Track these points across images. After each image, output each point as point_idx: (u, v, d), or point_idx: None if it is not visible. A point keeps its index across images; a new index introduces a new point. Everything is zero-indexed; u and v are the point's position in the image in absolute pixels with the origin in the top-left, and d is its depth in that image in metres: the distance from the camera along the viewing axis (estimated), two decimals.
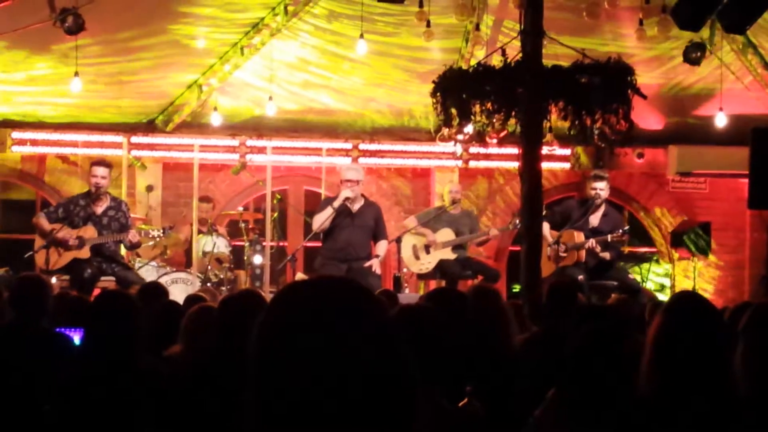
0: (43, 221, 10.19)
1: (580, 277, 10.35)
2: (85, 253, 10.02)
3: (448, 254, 11.16)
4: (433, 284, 11.45)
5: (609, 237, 10.51)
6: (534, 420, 3.59)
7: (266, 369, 1.56)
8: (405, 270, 11.19)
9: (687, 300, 3.37)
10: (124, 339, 4.31)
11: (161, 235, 10.65)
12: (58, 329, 5.50)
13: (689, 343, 3.05)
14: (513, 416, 3.74)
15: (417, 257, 11.26)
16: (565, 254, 10.58)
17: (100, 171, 10.23)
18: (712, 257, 13.80)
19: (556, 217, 10.94)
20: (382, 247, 10.36)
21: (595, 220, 10.78)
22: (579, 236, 10.64)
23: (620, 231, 10.60)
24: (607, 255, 10.54)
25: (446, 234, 11.22)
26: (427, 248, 11.24)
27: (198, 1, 10.96)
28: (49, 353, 5.00)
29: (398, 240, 10.79)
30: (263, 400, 1.55)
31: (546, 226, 10.24)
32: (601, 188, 10.74)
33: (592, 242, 10.47)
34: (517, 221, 10.88)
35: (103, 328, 4.35)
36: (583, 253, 10.60)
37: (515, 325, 5.15)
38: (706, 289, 13.68)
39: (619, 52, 8.98)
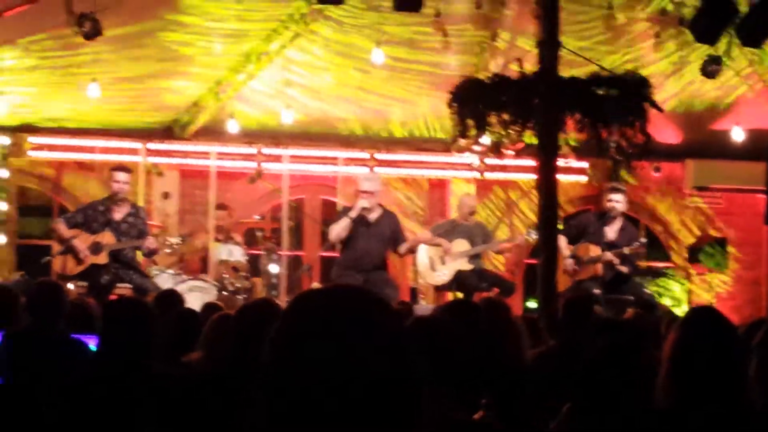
0: (61, 227, 10.22)
1: (596, 291, 10.31)
2: (102, 258, 10.05)
3: (465, 265, 11.12)
4: (449, 296, 11.42)
5: (626, 249, 10.47)
6: None
7: (278, 376, 1.56)
8: (421, 281, 11.16)
9: (703, 314, 3.36)
10: (139, 345, 4.32)
11: (179, 242, 10.67)
12: (73, 335, 5.52)
13: (706, 357, 3.04)
14: (527, 429, 3.74)
15: (433, 268, 11.22)
16: (581, 268, 10.55)
17: (122, 176, 10.27)
18: (728, 273, 13.75)
19: (572, 230, 10.90)
20: (404, 246, 10.31)
21: (611, 233, 10.74)
22: (595, 250, 10.61)
23: (637, 243, 10.57)
24: (624, 268, 10.50)
25: (462, 244, 11.19)
26: (443, 259, 11.21)
27: (215, 10, 10.99)
28: (65, 359, 5.02)
29: (413, 251, 10.75)
30: (274, 407, 1.56)
31: (562, 240, 10.20)
32: (617, 200, 10.71)
33: (609, 255, 10.43)
34: (535, 233, 10.89)
35: (117, 334, 4.37)
36: (599, 266, 10.57)
37: (527, 338, 5.14)
38: (722, 305, 13.62)
39: (636, 65, 8.99)
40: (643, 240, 10.93)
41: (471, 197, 11.99)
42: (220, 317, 4.60)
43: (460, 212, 11.61)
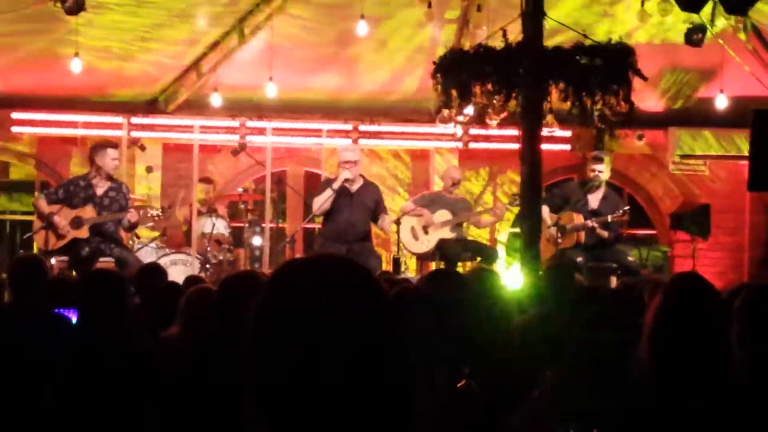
0: (42, 203, 10.17)
1: (579, 258, 10.36)
2: (83, 232, 10.01)
3: (447, 234, 11.15)
4: (432, 266, 11.44)
5: (609, 217, 10.51)
6: (532, 400, 3.60)
7: (261, 347, 1.55)
8: (405, 250, 11.17)
9: (687, 280, 3.37)
10: (116, 318, 4.31)
11: (159, 214, 10.62)
12: (56, 310, 5.51)
13: (689, 322, 3.05)
14: (510, 397, 3.75)
15: (416, 238, 11.24)
16: (563, 236, 10.58)
17: (115, 153, 10.30)
18: (711, 239, 13.80)
19: (555, 199, 10.93)
20: (386, 219, 10.33)
21: (594, 202, 10.77)
22: (578, 218, 10.64)
23: (621, 210, 10.61)
24: (605, 234, 10.54)
25: (443, 215, 11.21)
26: (425, 229, 11.22)
27: None
28: (48, 334, 5.01)
29: (397, 222, 10.76)
30: (259, 378, 1.55)
31: (545, 209, 10.24)
32: (600, 170, 10.74)
33: (591, 221, 10.49)
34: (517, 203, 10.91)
35: (94, 307, 4.36)
36: (582, 234, 10.61)
37: (513, 306, 5.15)
38: (705, 272, 13.68)
39: (620, 33, 8.97)
40: (626, 207, 10.96)
41: (456, 169, 11.98)
42: (198, 291, 4.58)
43: (444, 183, 11.62)
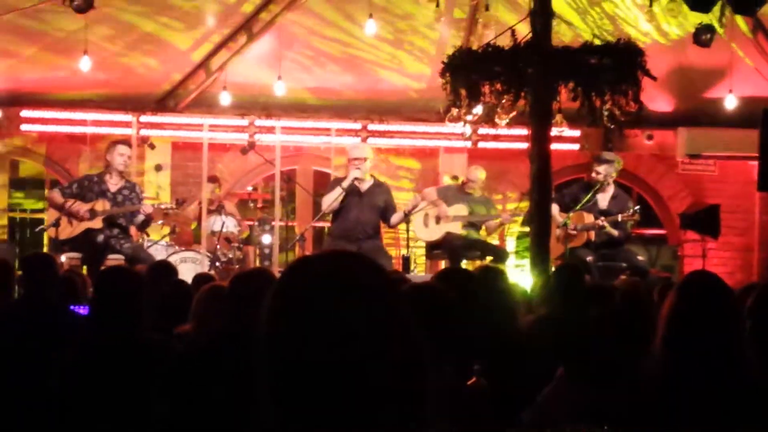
0: (56, 195, 10.25)
1: (589, 258, 10.36)
2: (97, 223, 10.07)
3: (457, 229, 11.17)
4: (442, 265, 11.44)
5: (619, 216, 10.53)
6: (542, 398, 3.61)
7: (273, 344, 1.55)
8: (414, 235, 11.15)
9: (701, 279, 3.37)
10: (130, 315, 4.32)
11: (173, 207, 10.65)
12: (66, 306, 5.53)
13: (704, 321, 3.06)
14: (521, 395, 3.75)
15: (426, 225, 11.27)
16: (574, 234, 10.59)
17: (127, 150, 10.35)
18: (720, 239, 13.77)
19: (565, 198, 10.95)
20: (397, 216, 10.35)
21: (603, 202, 10.78)
22: (588, 217, 10.65)
23: (631, 210, 10.62)
24: (615, 232, 10.57)
25: (459, 209, 11.23)
26: (437, 219, 11.25)
27: None
28: (59, 330, 5.02)
29: (407, 215, 10.68)
30: (271, 375, 1.55)
31: (555, 208, 10.27)
32: (600, 170, 10.77)
33: (601, 220, 10.50)
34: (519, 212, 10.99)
35: (108, 303, 4.37)
36: (592, 234, 10.63)
37: (522, 305, 5.16)
38: (715, 271, 13.63)
39: (629, 33, 8.97)
40: (637, 207, 10.96)
41: (478, 170, 11.88)
42: (211, 288, 4.60)
43: (468, 184, 11.61)
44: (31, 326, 5.09)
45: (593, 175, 10.83)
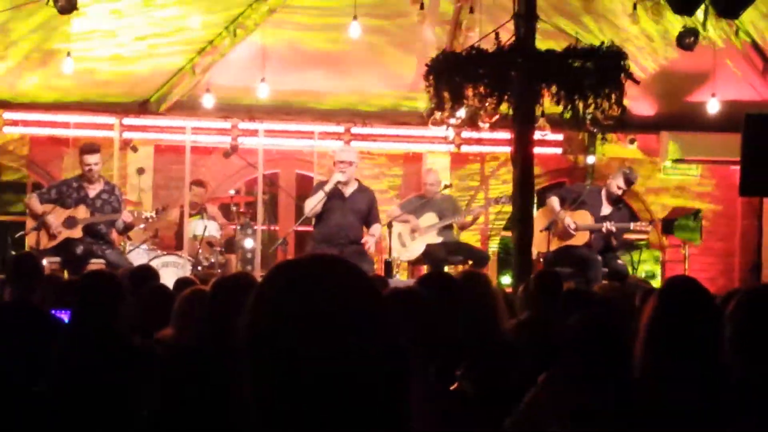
0: (34, 202, 10.14)
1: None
2: (77, 233, 9.98)
3: (434, 238, 11.15)
4: (423, 270, 11.43)
5: (632, 225, 10.60)
6: (525, 403, 3.60)
7: (255, 349, 1.54)
8: (396, 256, 11.14)
9: (682, 284, 3.38)
10: (110, 319, 4.29)
11: (153, 216, 10.59)
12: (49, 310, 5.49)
13: (684, 326, 3.06)
14: (504, 399, 3.75)
15: (403, 245, 11.25)
16: (574, 232, 10.58)
17: (93, 159, 10.14)
18: (702, 244, 13.81)
19: (570, 194, 10.91)
20: (376, 229, 10.33)
21: (606, 209, 10.78)
22: (591, 219, 10.68)
23: (644, 223, 10.77)
24: (615, 241, 10.62)
25: (430, 218, 11.21)
26: (412, 235, 11.22)
27: None
28: (44, 333, 4.98)
29: (389, 225, 10.74)
30: (254, 380, 1.54)
31: (555, 200, 10.35)
32: (621, 187, 10.70)
33: (609, 224, 10.46)
34: (502, 198, 10.95)
35: (89, 307, 4.34)
36: (591, 235, 10.62)
37: (505, 309, 5.15)
38: (696, 277, 13.65)
39: (612, 37, 9.00)
40: (652, 220, 11.08)
41: (433, 172, 11.91)
42: (192, 292, 4.57)
43: (425, 187, 11.61)
44: (19, 328, 5.05)
45: (613, 189, 10.73)
